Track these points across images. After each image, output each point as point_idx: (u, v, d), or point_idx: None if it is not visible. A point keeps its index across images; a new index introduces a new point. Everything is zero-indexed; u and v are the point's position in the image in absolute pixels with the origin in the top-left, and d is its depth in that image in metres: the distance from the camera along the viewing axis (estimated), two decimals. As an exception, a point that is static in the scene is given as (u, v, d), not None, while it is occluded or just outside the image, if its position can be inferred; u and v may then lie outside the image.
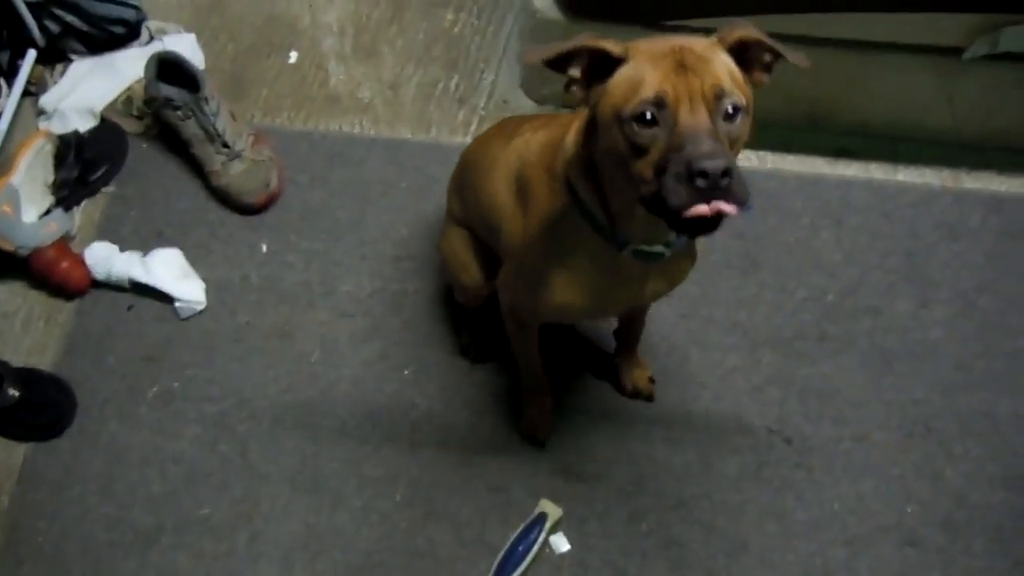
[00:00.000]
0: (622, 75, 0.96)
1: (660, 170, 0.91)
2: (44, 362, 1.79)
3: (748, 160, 1.91)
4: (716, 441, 1.65)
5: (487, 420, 1.69)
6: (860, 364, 1.70)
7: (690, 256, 1.27)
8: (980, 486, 1.60)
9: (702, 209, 0.88)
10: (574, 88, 1.01)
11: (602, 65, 0.99)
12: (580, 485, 1.62)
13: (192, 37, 2.13)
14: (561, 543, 1.58)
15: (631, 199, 1.00)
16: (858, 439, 1.64)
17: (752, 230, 1.82)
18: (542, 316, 1.39)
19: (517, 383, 1.69)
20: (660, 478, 1.62)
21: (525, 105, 2.05)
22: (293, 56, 2.14)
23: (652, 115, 0.92)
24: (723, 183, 0.87)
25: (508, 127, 1.40)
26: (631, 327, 1.61)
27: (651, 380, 1.68)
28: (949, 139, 1.91)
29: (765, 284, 1.78)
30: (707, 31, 1.00)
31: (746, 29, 0.98)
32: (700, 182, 0.87)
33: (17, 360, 1.77)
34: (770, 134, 1.94)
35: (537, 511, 1.58)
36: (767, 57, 1.01)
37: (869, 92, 1.88)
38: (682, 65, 0.93)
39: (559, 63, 0.99)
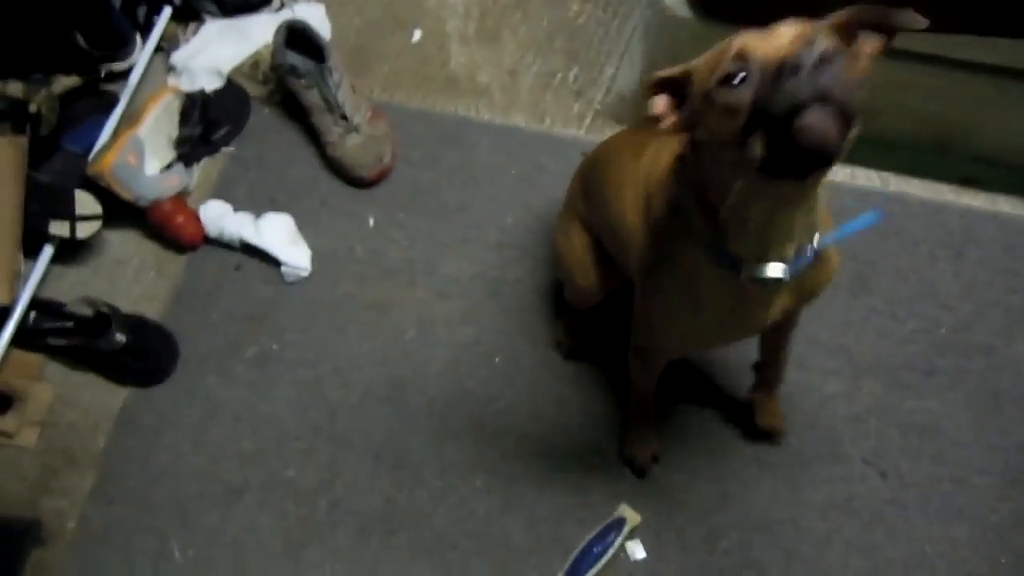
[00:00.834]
0: (702, 68, 0.91)
1: (755, 107, 0.82)
2: (151, 311, 1.85)
3: (870, 180, 1.85)
4: (807, 466, 1.60)
5: (574, 418, 1.68)
6: (967, 403, 1.63)
7: (824, 268, 1.15)
8: (1083, 545, 1.53)
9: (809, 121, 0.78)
10: (664, 124, 0.96)
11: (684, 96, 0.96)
12: (662, 494, 1.60)
13: (321, 8, 2.16)
14: (637, 550, 1.56)
15: (745, 202, 0.94)
16: (957, 481, 1.58)
17: (866, 252, 1.76)
18: (668, 349, 1.35)
19: (610, 386, 1.69)
20: (745, 497, 1.59)
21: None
22: (417, 34, 2.16)
23: (739, 71, 0.84)
24: (822, 71, 0.77)
25: (640, 134, 1.36)
26: (774, 359, 1.53)
27: (783, 418, 1.61)
28: (1086, 177, 1.82)
29: (875, 310, 1.72)
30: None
31: (855, 9, 0.90)
32: (792, 82, 0.77)
33: (126, 306, 1.83)
34: (896, 156, 1.87)
35: (616, 515, 1.57)
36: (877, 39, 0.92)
37: (1004, 120, 1.80)
38: (766, 30, 0.86)
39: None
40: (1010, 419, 1.62)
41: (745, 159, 0.86)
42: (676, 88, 0.96)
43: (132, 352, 1.75)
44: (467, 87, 2.07)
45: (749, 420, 1.62)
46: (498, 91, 2.07)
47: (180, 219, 1.87)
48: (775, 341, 1.50)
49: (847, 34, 0.90)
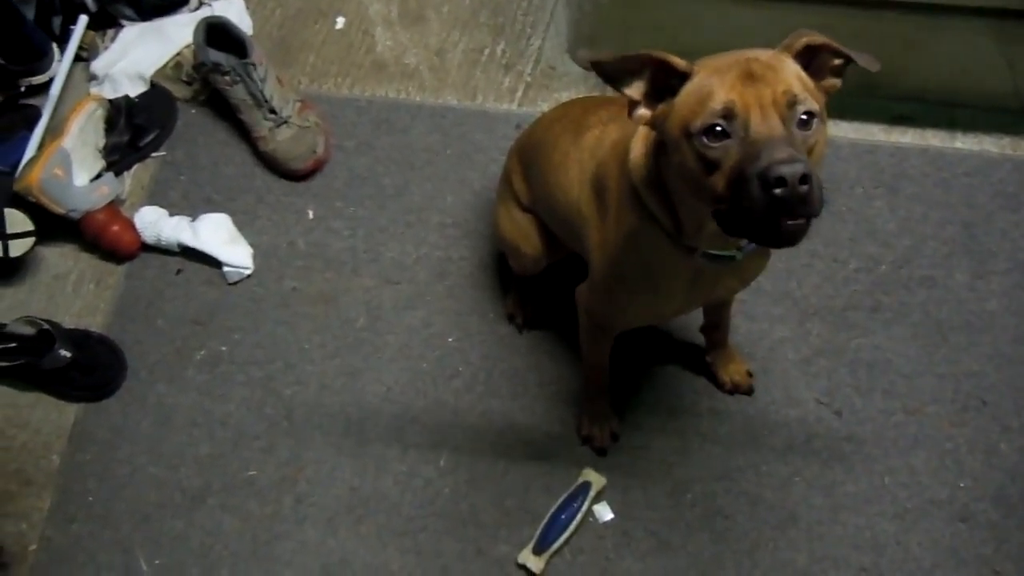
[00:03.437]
0: (688, 90, 0.94)
1: (735, 183, 0.88)
2: (95, 324, 1.82)
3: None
4: (763, 413, 1.62)
5: (530, 389, 1.68)
6: (913, 336, 1.66)
7: (764, 254, 1.23)
8: (1036, 462, 1.56)
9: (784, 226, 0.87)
10: (639, 112, 0.99)
11: (664, 85, 0.97)
12: (624, 455, 1.61)
13: (241, 2, 2.13)
14: (605, 512, 1.57)
15: (702, 215, 0.99)
16: (910, 412, 1.61)
17: (803, 199, 1.78)
18: (622, 323, 1.38)
19: (564, 354, 1.70)
20: (706, 449, 1.60)
21: (573, 71, 2.02)
22: (340, 22, 2.14)
23: (722, 127, 0.89)
24: (802, 189, 0.84)
25: (574, 114, 1.37)
26: (718, 322, 1.57)
27: (749, 374, 1.63)
28: (1010, 105, 1.84)
29: (816, 254, 1.74)
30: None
31: (812, 35, 0.95)
32: (779, 190, 0.84)
33: (69, 322, 1.80)
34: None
35: (581, 480, 1.58)
36: (835, 62, 0.98)
37: (927, 57, 1.82)
38: (750, 75, 0.91)
39: (616, 76, 0.97)
40: (955, 347, 1.65)
41: (709, 204, 0.93)
42: (660, 75, 0.97)
43: (78, 367, 1.72)
44: (395, 70, 2.06)
45: (712, 378, 1.65)
46: (427, 72, 2.05)
47: (115, 228, 1.83)
48: (718, 310, 1.54)
49: (806, 56, 0.96)
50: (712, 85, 0.91)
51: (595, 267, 1.28)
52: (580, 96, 1.84)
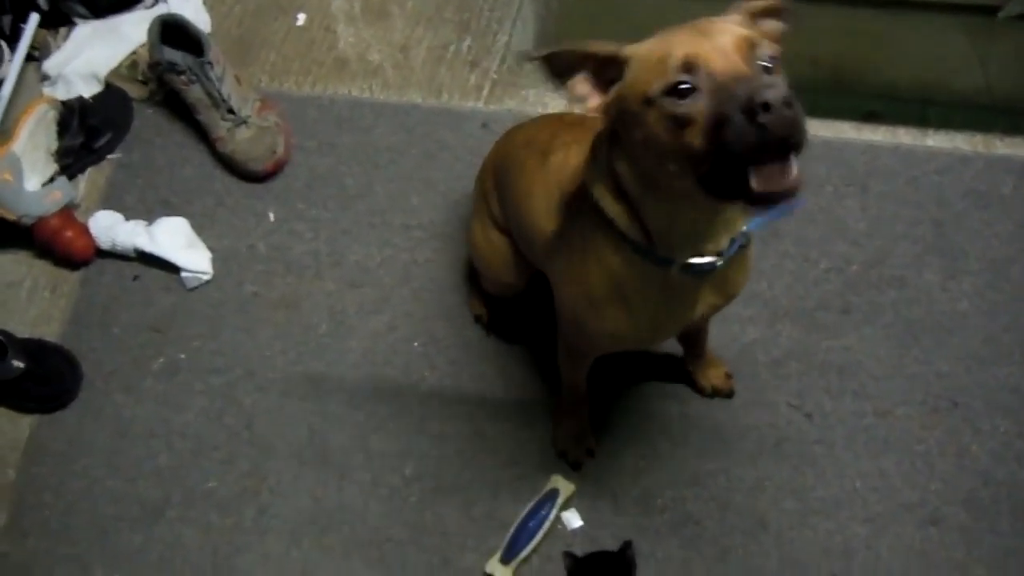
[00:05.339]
0: (639, 62, 0.90)
1: (714, 129, 0.81)
2: (50, 332, 1.77)
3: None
4: (733, 417, 1.60)
5: (498, 394, 1.65)
6: (884, 337, 1.64)
7: (744, 266, 1.17)
8: (1007, 463, 1.54)
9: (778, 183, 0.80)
10: (590, 103, 0.94)
11: (611, 72, 0.93)
12: (593, 461, 1.58)
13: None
14: (573, 519, 1.54)
15: (672, 209, 0.94)
16: (881, 414, 1.59)
17: (773, 197, 1.76)
18: (599, 349, 1.34)
19: (532, 359, 1.67)
20: (675, 454, 1.58)
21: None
22: (301, 18, 2.09)
23: (687, 82, 0.83)
24: (788, 114, 0.77)
25: (541, 139, 1.31)
26: (696, 339, 1.53)
27: (728, 376, 1.60)
28: (981, 102, 1.84)
29: (786, 254, 1.72)
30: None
31: (751, 3, 0.93)
32: (763, 116, 0.77)
33: (22, 331, 1.75)
34: (793, 97, 1.87)
35: (549, 486, 1.55)
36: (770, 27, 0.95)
37: (899, 53, 1.81)
38: (701, 31, 0.86)
39: (557, 74, 0.93)
40: (926, 348, 1.63)
41: (688, 169, 0.87)
42: (601, 66, 0.93)
43: (33, 378, 1.67)
44: (358, 68, 2.02)
45: (691, 383, 1.62)
46: (391, 69, 2.01)
47: (69, 234, 1.78)
48: (696, 328, 1.50)
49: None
50: (666, 46, 0.87)
51: (563, 296, 1.24)
52: (547, 112, 1.80)
